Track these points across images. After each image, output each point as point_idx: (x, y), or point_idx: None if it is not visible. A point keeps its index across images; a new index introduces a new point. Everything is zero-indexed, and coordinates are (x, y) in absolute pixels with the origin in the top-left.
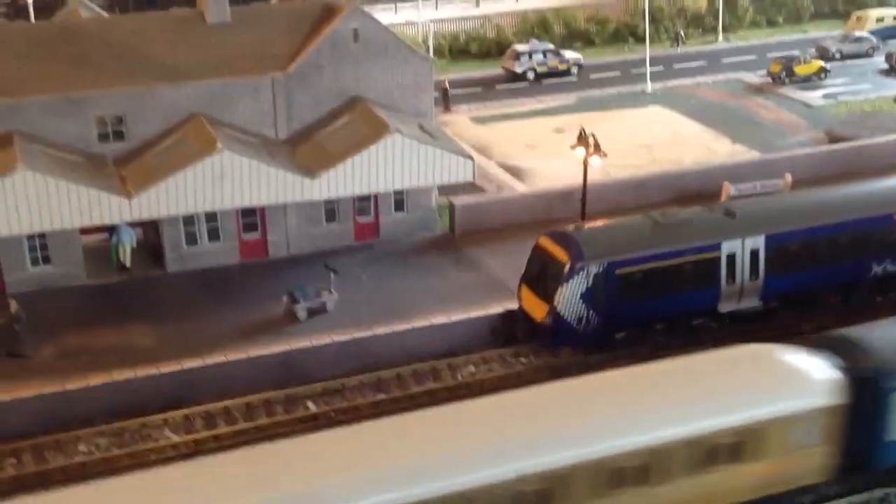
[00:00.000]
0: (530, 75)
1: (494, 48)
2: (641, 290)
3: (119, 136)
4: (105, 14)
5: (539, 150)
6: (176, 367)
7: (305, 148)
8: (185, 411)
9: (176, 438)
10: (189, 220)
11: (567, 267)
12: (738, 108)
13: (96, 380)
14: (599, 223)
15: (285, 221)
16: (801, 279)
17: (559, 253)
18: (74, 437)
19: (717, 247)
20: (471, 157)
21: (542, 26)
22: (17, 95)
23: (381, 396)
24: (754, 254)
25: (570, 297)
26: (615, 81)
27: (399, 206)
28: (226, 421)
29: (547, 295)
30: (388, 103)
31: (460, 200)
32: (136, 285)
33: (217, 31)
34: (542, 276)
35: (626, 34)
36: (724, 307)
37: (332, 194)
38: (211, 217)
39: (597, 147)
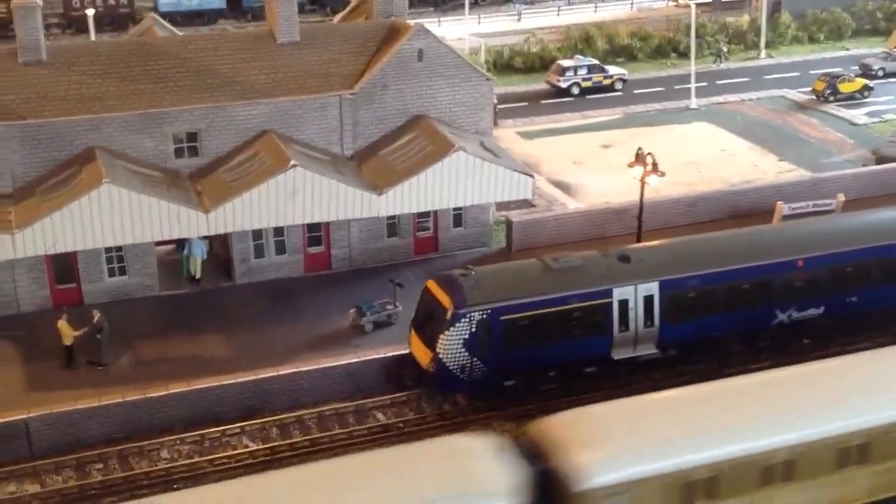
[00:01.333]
0: (575, 90)
1: (538, 63)
2: (529, 338)
3: (194, 151)
4: (178, 32)
5: (587, 166)
6: (250, 377)
7: (371, 165)
8: (261, 420)
9: (253, 446)
10: (258, 234)
11: (449, 313)
12: (783, 125)
13: (175, 388)
14: (490, 266)
15: (348, 236)
16: (700, 326)
17: (443, 298)
18: (157, 443)
19: (609, 293)
20: (531, 175)
21: (586, 41)
22: (98, 112)
23: (447, 407)
24: (648, 300)
25: (452, 345)
26: (659, 97)
27: (458, 221)
28: (300, 430)
29: (431, 342)
30: (450, 121)
31: (517, 217)
32: (206, 297)
33: (286, 49)
34: (427, 322)
35: (669, 50)
36: (618, 354)
37: (397, 210)
38: (278, 231)
39: (654, 167)
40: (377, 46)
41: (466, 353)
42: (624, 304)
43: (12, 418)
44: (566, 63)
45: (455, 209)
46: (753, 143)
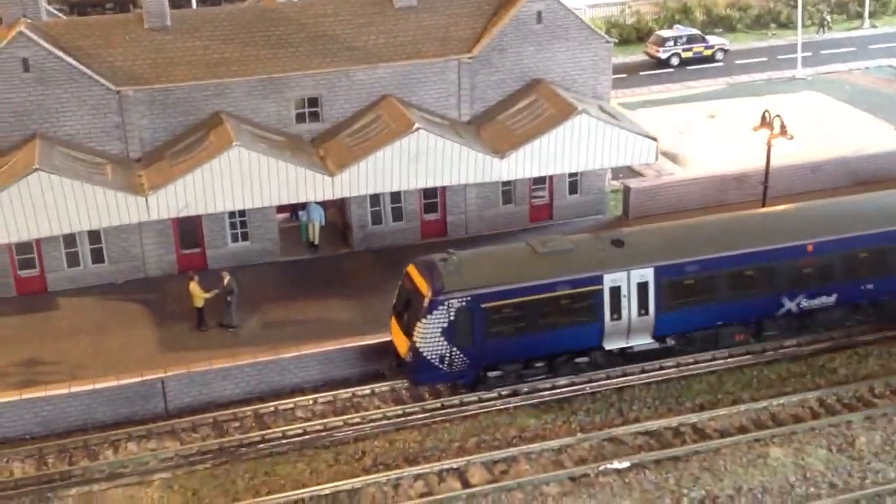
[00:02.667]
0: (675, 61)
1: (634, 35)
2: (513, 326)
3: (315, 116)
4: None
5: (693, 136)
6: (374, 341)
7: (489, 129)
8: (390, 383)
9: (385, 408)
10: (375, 201)
11: (426, 300)
12: (894, 94)
13: (306, 349)
14: (474, 251)
15: (465, 202)
16: (699, 315)
17: (421, 284)
18: (291, 403)
19: (599, 279)
20: (654, 139)
21: (683, 12)
22: (222, 77)
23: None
24: (642, 287)
25: (430, 334)
26: (763, 67)
27: (573, 188)
28: (430, 394)
29: (409, 330)
30: (568, 85)
31: (635, 183)
32: (325, 262)
33: (404, 13)
34: (406, 309)
35: (769, 20)
36: (610, 344)
37: (518, 175)
38: (395, 198)
39: (783, 130)
40: (494, 9)
41: (445, 342)
42: (615, 291)
43: (149, 377)
44: (666, 33)
45: (571, 176)
46: (865, 112)
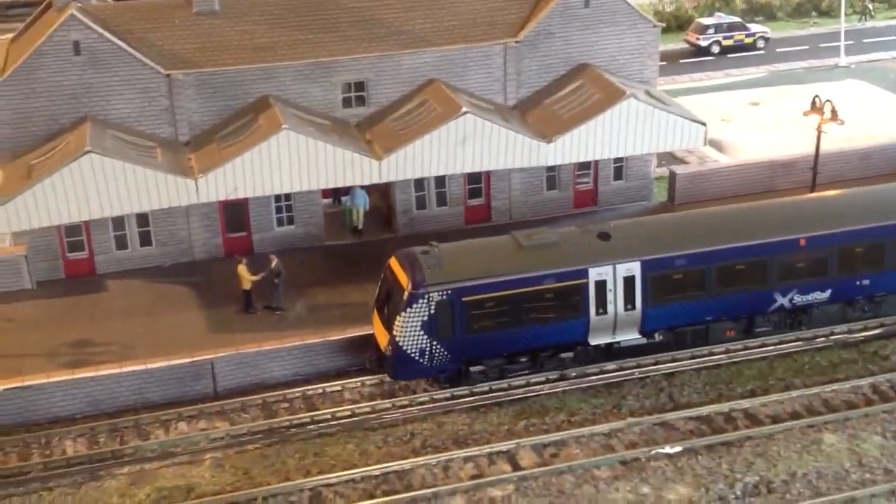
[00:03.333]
0: (715, 49)
1: (673, 22)
2: (496, 321)
3: (361, 101)
4: None
5: (735, 124)
6: None
7: (535, 114)
8: None
9: (432, 391)
10: (420, 186)
11: (406, 293)
12: None
13: (352, 332)
14: (457, 244)
15: (509, 188)
16: (688, 310)
17: (402, 277)
18: (339, 385)
19: (584, 273)
20: (703, 123)
21: (724, 0)
22: (269, 61)
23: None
24: (629, 281)
25: (410, 327)
26: (804, 55)
27: (618, 174)
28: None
29: (389, 324)
30: (614, 70)
31: (681, 169)
32: (369, 247)
33: None
34: (387, 302)
35: (810, 8)
36: (596, 339)
37: (566, 159)
38: (440, 183)
39: (834, 114)
40: None
41: (425, 337)
42: (601, 285)
43: (199, 358)
44: (707, 21)
45: (616, 161)
46: None
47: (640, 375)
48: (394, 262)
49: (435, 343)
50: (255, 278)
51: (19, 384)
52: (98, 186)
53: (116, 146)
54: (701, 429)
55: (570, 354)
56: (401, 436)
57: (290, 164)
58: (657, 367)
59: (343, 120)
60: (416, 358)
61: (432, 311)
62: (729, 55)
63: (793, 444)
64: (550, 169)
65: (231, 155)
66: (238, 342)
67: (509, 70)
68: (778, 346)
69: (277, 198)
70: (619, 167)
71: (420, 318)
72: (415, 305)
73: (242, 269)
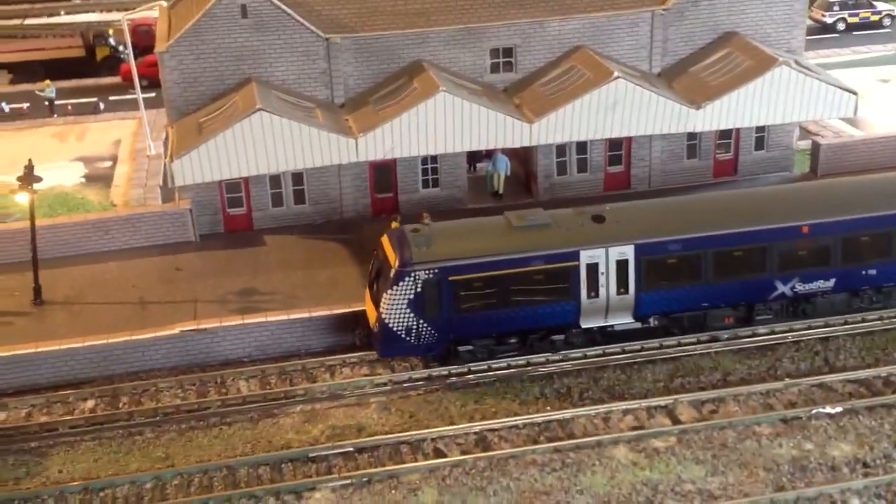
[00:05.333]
0: (840, 26)
1: None
2: (484, 301)
3: (508, 66)
4: None
5: (866, 100)
6: None
7: (682, 81)
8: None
9: (584, 349)
10: (561, 151)
11: (393, 271)
12: None
13: None
14: (449, 222)
15: (649, 156)
16: (683, 296)
17: (390, 254)
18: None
19: (575, 255)
20: (854, 92)
21: None
22: (422, 26)
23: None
24: (622, 265)
25: (396, 305)
26: None
27: (759, 144)
28: (633, 335)
29: (377, 301)
30: (761, 39)
31: (825, 140)
32: (510, 210)
33: None
34: (377, 279)
35: None
36: (587, 323)
37: (714, 126)
38: (581, 149)
39: None
40: None
41: (412, 315)
42: (592, 268)
43: (357, 309)
44: None
45: (758, 131)
46: None
47: (794, 339)
48: (385, 240)
49: (421, 321)
50: None
51: (195, 327)
52: (266, 143)
53: (282, 106)
54: (860, 391)
55: (561, 337)
56: (557, 388)
57: (445, 126)
58: (809, 331)
59: (491, 84)
60: (403, 336)
61: (419, 290)
62: (854, 33)
63: None
64: (691, 137)
65: (388, 116)
66: None
67: (655, 38)
68: None
69: (424, 160)
70: (761, 137)
71: (407, 297)
72: (401, 283)
73: (397, 226)
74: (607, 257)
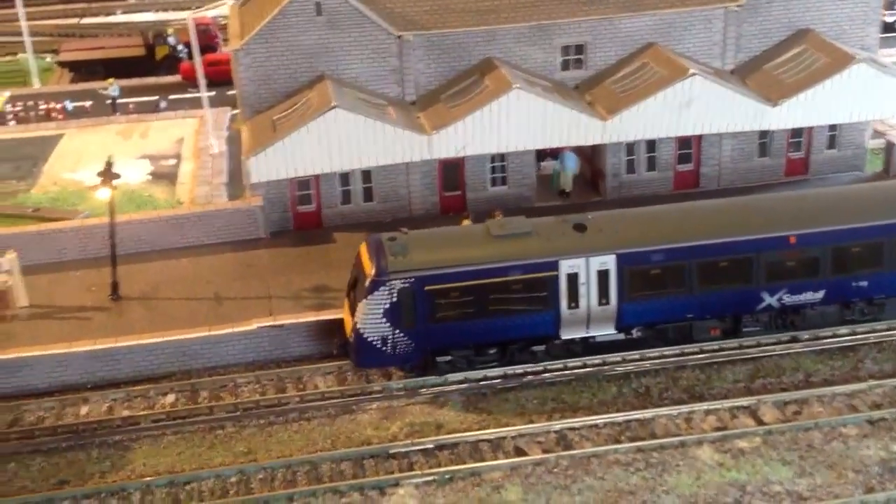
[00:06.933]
0: None
1: None
2: (461, 311)
3: (578, 63)
4: None
5: None
6: None
7: (756, 78)
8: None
9: (662, 349)
10: (630, 150)
11: (369, 280)
12: None
13: None
14: (427, 231)
15: (719, 154)
16: (667, 307)
17: (367, 263)
18: None
19: (554, 265)
20: None
21: None
22: (493, 24)
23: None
24: (603, 275)
25: (372, 315)
26: None
27: (831, 143)
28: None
29: (353, 310)
30: (835, 36)
31: None
32: (577, 209)
33: None
34: (354, 288)
35: None
36: (568, 334)
37: (790, 124)
38: (650, 147)
39: None
40: None
41: (388, 325)
42: (572, 278)
43: None
44: None
45: (830, 129)
46: None
47: (876, 340)
48: (362, 248)
49: (397, 332)
50: None
51: (271, 323)
52: (340, 140)
53: (356, 103)
54: None
55: (541, 348)
56: (635, 388)
57: (518, 123)
58: (891, 332)
59: (561, 82)
60: (378, 346)
61: (394, 299)
62: None
63: None
64: (762, 136)
65: (461, 113)
66: None
67: (728, 34)
68: None
69: (492, 158)
70: (833, 135)
71: (382, 306)
72: (377, 293)
73: (468, 224)
74: (588, 267)
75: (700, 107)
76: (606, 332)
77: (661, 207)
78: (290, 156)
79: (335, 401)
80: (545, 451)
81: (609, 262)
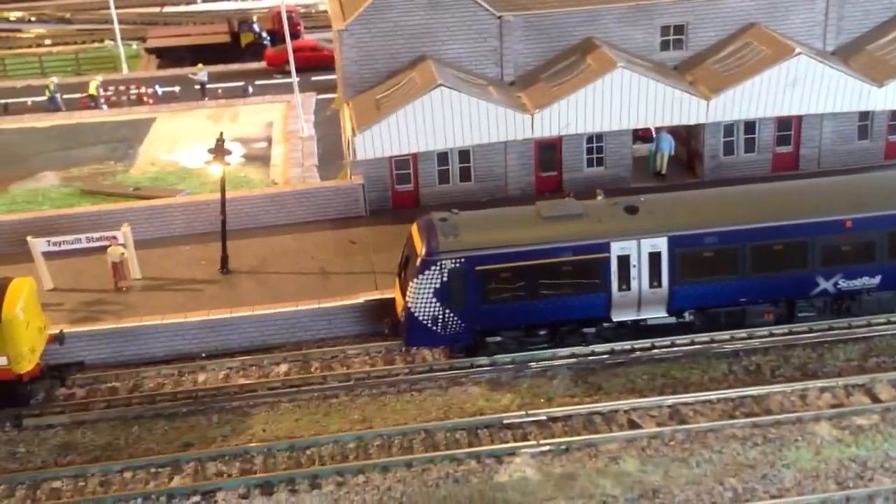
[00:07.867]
0: None
1: None
2: (511, 291)
3: (678, 44)
4: None
5: None
6: None
7: (859, 59)
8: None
9: (772, 327)
10: (729, 131)
11: (419, 260)
12: None
13: None
14: (478, 211)
15: (819, 136)
16: (720, 291)
17: (418, 243)
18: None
19: (605, 247)
20: None
21: None
22: (594, 4)
23: None
24: (654, 257)
25: (422, 294)
26: None
27: None
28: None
29: (404, 290)
30: None
31: None
32: (672, 191)
33: None
34: (406, 267)
35: None
36: (619, 316)
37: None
38: (749, 128)
39: None
40: None
41: (438, 304)
42: (624, 260)
43: None
44: None
45: None
46: None
47: None
48: (414, 228)
49: (448, 311)
50: None
51: (378, 296)
52: (444, 118)
53: (459, 82)
54: None
55: (592, 330)
56: (745, 365)
57: (622, 102)
58: None
59: (661, 62)
60: (429, 325)
61: (445, 279)
62: None
63: None
64: (863, 118)
65: (564, 92)
66: None
67: (831, 15)
68: None
69: (589, 139)
70: None
71: (433, 286)
72: (427, 272)
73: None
74: (639, 249)
75: (805, 86)
76: (658, 315)
77: (714, 190)
78: (395, 134)
79: (445, 373)
80: (659, 425)
81: (661, 244)
